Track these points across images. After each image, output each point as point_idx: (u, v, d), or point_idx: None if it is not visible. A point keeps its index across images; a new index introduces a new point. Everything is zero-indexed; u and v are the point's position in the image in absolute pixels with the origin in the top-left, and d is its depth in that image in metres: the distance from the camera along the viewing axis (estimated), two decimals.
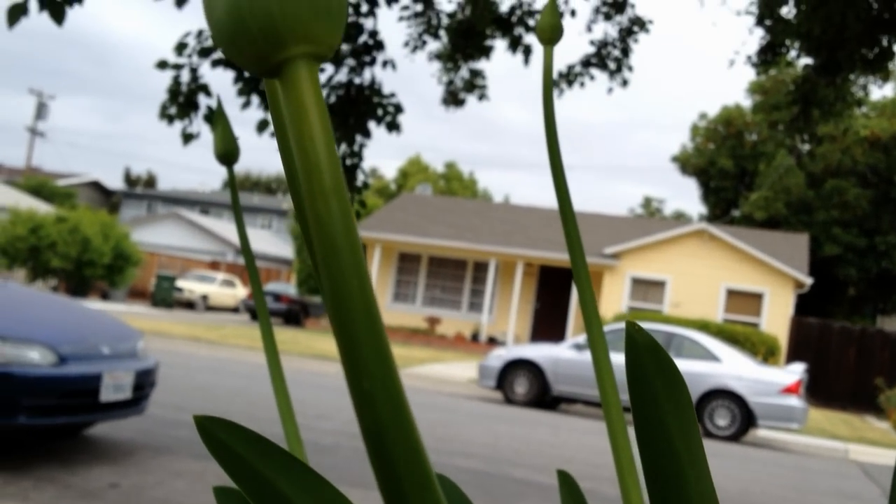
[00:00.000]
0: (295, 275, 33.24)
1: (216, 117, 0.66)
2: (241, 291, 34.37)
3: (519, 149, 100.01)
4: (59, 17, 4.45)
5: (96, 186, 52.22)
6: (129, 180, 61.28)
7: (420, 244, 27.27)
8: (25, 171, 44.89)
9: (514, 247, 26.53)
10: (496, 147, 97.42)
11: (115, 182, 56.54)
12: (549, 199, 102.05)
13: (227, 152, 0.65)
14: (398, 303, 28.71)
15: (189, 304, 31.83)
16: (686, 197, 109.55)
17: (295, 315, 29.43)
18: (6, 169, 51.15)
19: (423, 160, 52.78)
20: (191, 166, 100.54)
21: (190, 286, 32.18)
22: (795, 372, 13.57)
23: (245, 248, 0.66)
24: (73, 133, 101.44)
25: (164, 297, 30.11)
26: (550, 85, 0.58)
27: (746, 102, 39.20)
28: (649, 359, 0.34)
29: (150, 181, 61.59)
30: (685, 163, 40.78)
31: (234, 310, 33.97)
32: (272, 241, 45.72)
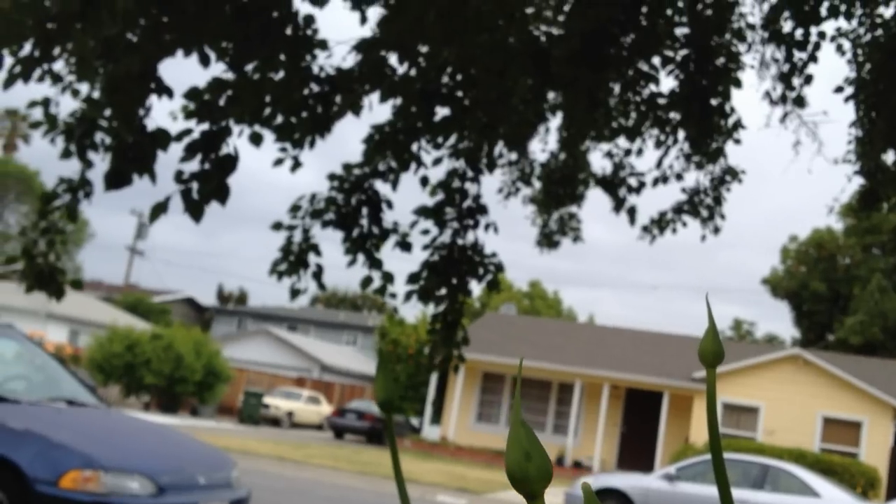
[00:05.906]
0: None
1: (378, 368, 0.76)
2: (325, 408, 34.52)
3: (604, 267, 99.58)
4: (197, 216, 4.64)
5: (190, 303, 53.73)
6: (222, 297, 62.88)
7: (504, 364, 27.13)
8: (124, 287, 46.53)
9: (599, 368, 26.21)
10: (581, 265, 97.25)
11: (207, 298, 57.99)
12: (633, 318, 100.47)
13: (389, 400, 0.75)
14: (482, 423, 28.45)
15: (275, 421, 32.05)
16: (778, 319, 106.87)
17: (378, 434, 29.40)
18: (105, 286, 53.09)
19: (507, 278, 53.03)
20: (280, 283, 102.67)
21: (276, 402, 32.48)
22: None
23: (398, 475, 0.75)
24: (169, 251, 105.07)
25: (251, 413, 30.44)
26: (714, 405, 0.63)
27: (838, 225, 38.58)
28: None
29: (242, 298, 63.07)
30: (776, 285, 40.06)
31: (319, 427, 34.07)
32: (356, 358, 46.01)
